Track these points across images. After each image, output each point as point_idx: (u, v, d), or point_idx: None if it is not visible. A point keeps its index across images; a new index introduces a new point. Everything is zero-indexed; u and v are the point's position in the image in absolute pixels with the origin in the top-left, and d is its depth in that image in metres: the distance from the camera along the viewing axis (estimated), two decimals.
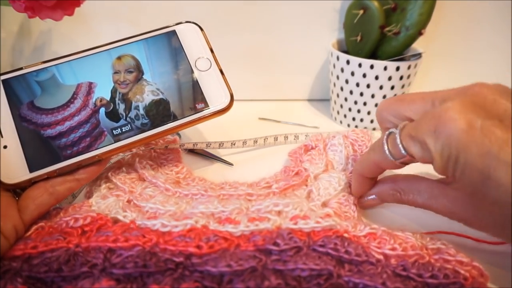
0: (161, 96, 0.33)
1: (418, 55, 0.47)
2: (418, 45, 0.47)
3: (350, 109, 0.49)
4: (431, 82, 0.58)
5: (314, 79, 0.56)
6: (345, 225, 0.27)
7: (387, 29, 0.44)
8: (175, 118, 0.33)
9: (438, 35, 0.54)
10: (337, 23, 0.52)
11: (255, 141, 0.43)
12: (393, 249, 0.25)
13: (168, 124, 0.33)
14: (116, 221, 0.28)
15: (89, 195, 0.32)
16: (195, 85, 0.34)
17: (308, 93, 0.57)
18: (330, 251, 0.24)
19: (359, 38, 0.46)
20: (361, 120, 0.49)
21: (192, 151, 0.42)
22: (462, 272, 0.23)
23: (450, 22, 0.53)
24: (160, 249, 0.25)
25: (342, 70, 0.47)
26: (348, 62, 0.46)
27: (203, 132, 0.43)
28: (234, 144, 0.42)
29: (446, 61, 0.57)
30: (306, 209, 0.28)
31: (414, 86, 0.49)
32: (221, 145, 0.41)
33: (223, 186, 0.34)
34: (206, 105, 0.34)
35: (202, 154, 0.42)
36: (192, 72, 0.35)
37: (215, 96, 0.34)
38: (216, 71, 0.35)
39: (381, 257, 0.24)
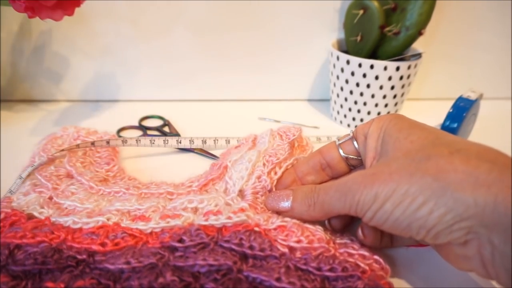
0: None
1: (418, 55, 0.47)
2: (418, 45, 0.47)
3: (350, 109, 0.49)
4: (431, 82, 0.58)
5: (314, 79, 0.56)
6: (257, 219, 0.26)
7: (387, 29, 0.44)
8: None
9: (438, 35, 0.54)
10: (337, 23, 0.52)
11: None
12: (299, 241, 0.25)
13: None
14: (31, 217, 0.28)
15: (15, 192, 0.32)
16: None
17: (308, 93, 0.57)
18: (233, 246, 0.24)
19: (359, 38, 0.46)
20: (361, 120, 0.49)
21: (191, 150, 0.42)
22: (362, 265, 0.23)
23: (450, 22, 0.53)
24: (67, 246, 0.24)
25: (342, 70, 0.47)
26: (348, 62, 0.46)
27: (202, 133, 0.43)
28: (229, 142, 0.42)
29: (446, 61, 0.57)
30: (221, 203, 0.27)
31: (414, 86, 0.49)
32: (215, 141, 0.42)
33: (149, 186, 0.34)
34: None
35: (200, 153, 0.42)
36: None
37: None
38: None
39: (286, 250, 0.24)
